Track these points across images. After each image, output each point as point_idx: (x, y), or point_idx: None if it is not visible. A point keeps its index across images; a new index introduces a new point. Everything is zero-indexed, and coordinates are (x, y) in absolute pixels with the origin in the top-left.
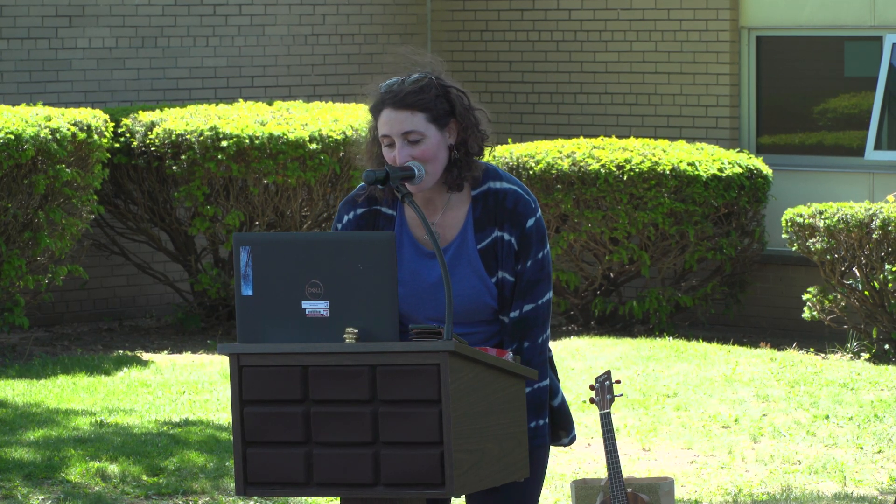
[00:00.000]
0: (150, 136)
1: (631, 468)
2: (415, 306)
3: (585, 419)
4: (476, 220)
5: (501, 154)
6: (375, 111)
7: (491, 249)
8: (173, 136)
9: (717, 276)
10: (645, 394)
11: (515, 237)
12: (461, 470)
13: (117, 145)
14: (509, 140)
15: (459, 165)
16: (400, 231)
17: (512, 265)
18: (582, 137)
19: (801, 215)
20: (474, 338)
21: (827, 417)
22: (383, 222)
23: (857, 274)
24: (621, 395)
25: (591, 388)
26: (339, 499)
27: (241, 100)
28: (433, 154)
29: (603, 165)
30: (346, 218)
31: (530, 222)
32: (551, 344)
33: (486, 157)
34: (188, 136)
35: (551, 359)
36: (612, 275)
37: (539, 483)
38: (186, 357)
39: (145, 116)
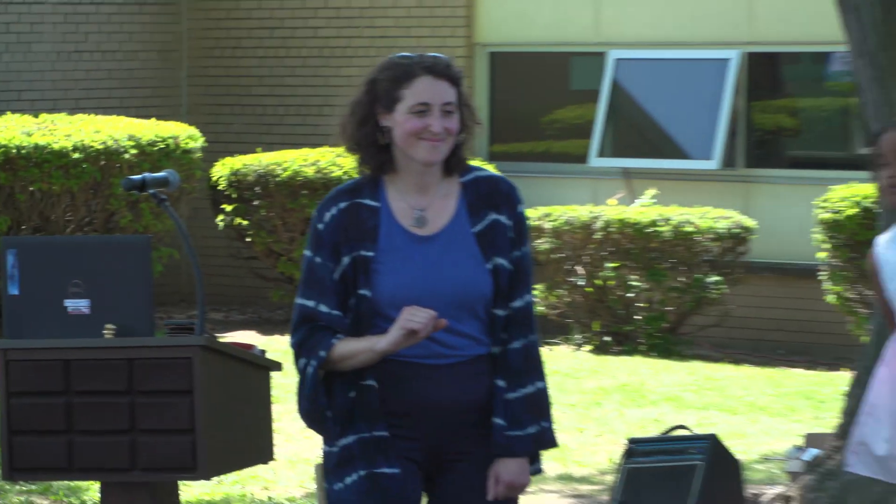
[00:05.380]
0: None
1: None
2: (412, 290)
3: None
4: (469, 205)
5: (251, 162)
6: (403, 79)
7: (489, 232)
8: None
9: None
10: None
11: (513, 221)
12: (212, 455)
13: None
14: (258, 149)
15: (461, 148)
16: (388, 221)
17: (509, 251)
18: (327, 147)
19: (528, 218)
20: (465, 339)
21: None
22: (367, 214)
23: (581, 272)
24: None
25: None
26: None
27: (8, 112)
28: (458, 130)
29: (345, 172)
30: (327, 215)
31: (521, 207)
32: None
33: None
34: None
35: None
36: None
37: None
38: None
39: None
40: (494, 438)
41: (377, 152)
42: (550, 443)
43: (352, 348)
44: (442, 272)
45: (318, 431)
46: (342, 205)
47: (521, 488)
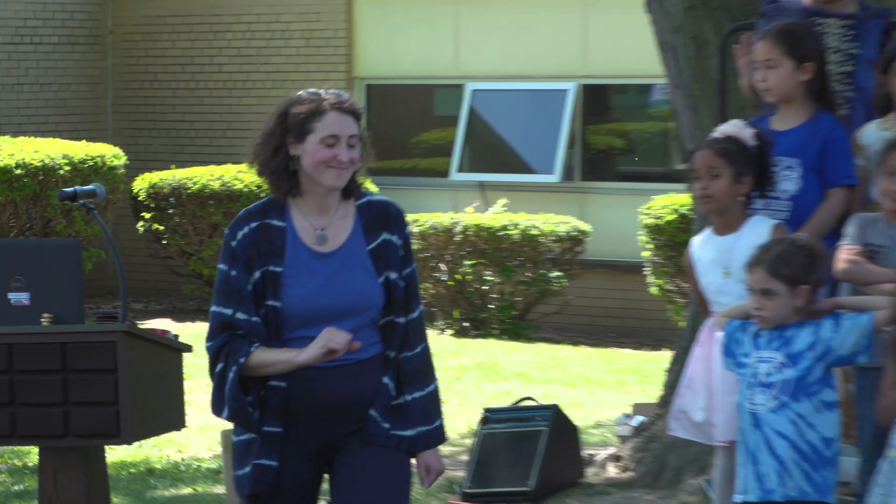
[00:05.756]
0: None
1: None
2: (316, 301)
3: None
4: (364, 226)
5: (166, 177)
6: (315, 114)
7: (381, 250)
8: None
9: None
10: None
11: (402, 240)
12: (133, 423)
13: None
14: (173, 166)
15: (356, 174)
16: (293, 240)
17: (399, 267)
18: (230, 164)
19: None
20: (360, 342)
21: None
22: (275, 233)
23: (444, 268)
24: None
25: None
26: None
27: None
28: (359, 159)
29: (246, 186)
30: (240, 234)
31: (408, 229)
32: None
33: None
34: None
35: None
36: None
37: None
38: None
39: None
40: (398, 434)
41: (287, 178)
42: (444, 435)
43: (270, 358)
44: (341, 285)
45: (244, 427)
46: (253, 224)
47: (442, 473)
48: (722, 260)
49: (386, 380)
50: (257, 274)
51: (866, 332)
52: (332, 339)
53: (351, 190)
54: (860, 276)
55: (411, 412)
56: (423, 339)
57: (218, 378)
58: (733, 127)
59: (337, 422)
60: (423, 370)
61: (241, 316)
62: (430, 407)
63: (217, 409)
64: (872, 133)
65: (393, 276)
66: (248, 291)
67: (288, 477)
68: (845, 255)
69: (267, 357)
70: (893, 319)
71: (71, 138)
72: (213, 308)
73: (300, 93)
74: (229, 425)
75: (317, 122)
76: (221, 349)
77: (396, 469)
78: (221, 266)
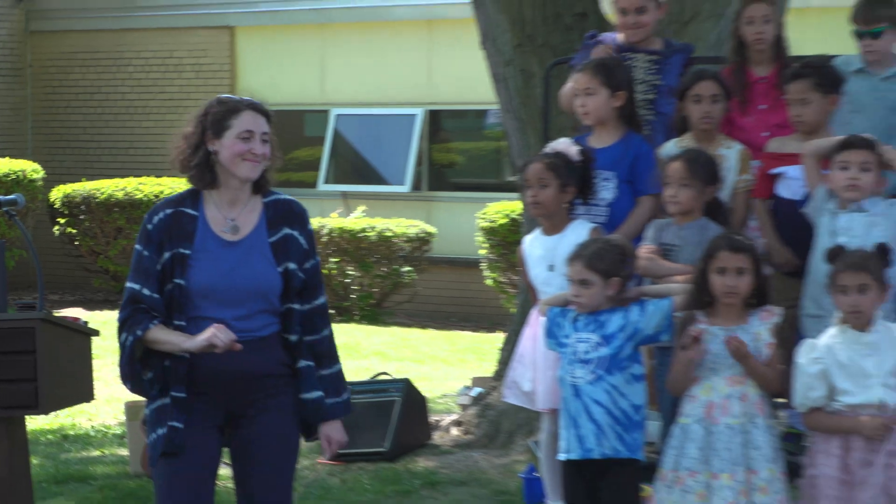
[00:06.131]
0: None
1: None
2: (218, 282)
3: None
4: (269, 220)
5: (78, 188)
6: (232, 112)
7: (283, 243)
8: None
9: None
10: None
11: (304, 236)
12: (50, 397)
13: None
14: (83, 179)
15: (266, 173)
16: (203, 227)
17: (300, 259)
18: (132, 177)
19: None
20: (257, 322)
21: None
22: (187, 220)
23: None
24: None
25: None
26: None
27: None
28: (270, 156)
29: (145, 195)
30: (156, 218)
31: (310, 226)
32: None
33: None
34: None
35: None
36: None
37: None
38: None
39: None
40: (312, 408)
41: (206, 172)
42: (351, 407)
43: (162, 337)
44: (241, 270)
45: (138, 392)
46: (168, 211)
47: (343, 445)
48: (548, 256)
49: (303, 363)
50: (167, 255)
51: (667, 314)
52: (217, 335)
53: (260, 185)
54: (655, 271)
55: (324, 386)
56: (328, 324)
57: (121, 348)
58: (562, 144)
59: (237, 391)
60: (329, 352)
61: (146, 292)
62: (339, 383)
63: (122, 376)
64: (672, 150)
65: (292, 266)
66: (155, 271)
67: (193, 442)
68: (643, 253)
69: (161, 336)
70: (685, 306)
71: None
72: (127, 283)
73: (218, 96)
74: (133, 397)
75: (234, 119)
76: (126, 321)
77: (291, 436)
78: (137, 246)
